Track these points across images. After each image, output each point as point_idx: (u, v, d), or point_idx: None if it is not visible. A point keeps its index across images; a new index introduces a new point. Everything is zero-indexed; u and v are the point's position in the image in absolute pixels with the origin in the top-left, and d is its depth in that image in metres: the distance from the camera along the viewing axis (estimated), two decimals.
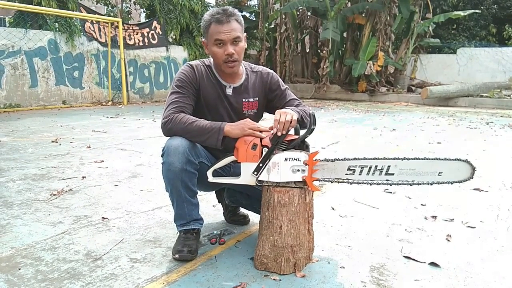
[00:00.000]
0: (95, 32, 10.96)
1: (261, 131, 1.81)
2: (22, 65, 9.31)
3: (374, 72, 13.01)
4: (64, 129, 6.21)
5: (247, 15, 17.82)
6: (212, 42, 1.91)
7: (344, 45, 14.76)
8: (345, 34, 14.55)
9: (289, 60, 15.86)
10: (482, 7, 16.34)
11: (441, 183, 1.69)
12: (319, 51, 15.36)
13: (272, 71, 2.17)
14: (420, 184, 1.70)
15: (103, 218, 2.49)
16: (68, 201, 2.80)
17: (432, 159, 1.70)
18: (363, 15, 13.96)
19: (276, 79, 2.14)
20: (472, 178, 1.69)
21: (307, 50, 16.23)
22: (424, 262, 1.92)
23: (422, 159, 1.70)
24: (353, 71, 13.16)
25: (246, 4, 17.93)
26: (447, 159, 1.69)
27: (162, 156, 1.87)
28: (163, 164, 1.85)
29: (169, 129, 1.86)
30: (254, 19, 17.23)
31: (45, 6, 9.46)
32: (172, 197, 1.90)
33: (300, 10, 15.65)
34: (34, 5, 9.30)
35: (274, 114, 2.11)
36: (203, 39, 2.01)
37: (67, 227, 2.33)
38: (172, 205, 1.95)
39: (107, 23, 11.10)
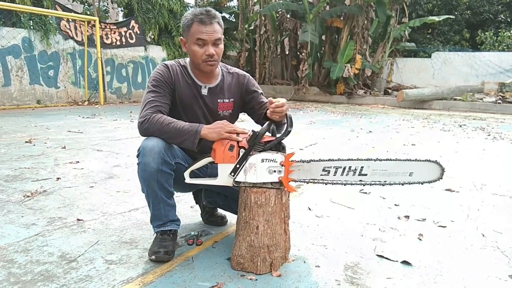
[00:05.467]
0: (71, 31, 10.76)
1: (238, 134, 1.82)
2: None
3: (352, 74, 13.22)
4: (38, 129, 6.08)
5: (227, 16, 17.82)
6: (193, 41, 1.91)
7: (323, 48, 14.95)
8: (323, 37, 14.74)
9: (268, 61, 15.93)
10: (456, 13, 16.84)
11: (412, 183, 1.75)
12: (298, 53, 15.52)
13: (248, 74, 2.20)
14: (392, 184, 1.75)
15: (78, 219, 2.45)
16: (42, 203, 2.75)
17: (403, 160, 1.75)
18: (341, 18, 14.16)
19: (252, 81, 2.16)
20: (442, 178, 1.75)
21: (287, 52, 16.36)
22: (397, 261, 1.98)
23: (393, 160, 1.75)
24: (331, 74, 13.33)
25: (225, 5, 17.94)
26: (418, 160, 1.75)
27: (137, 156, 1.86)
28: (138, 165, 1.84)
29: (145, 129, 1.86)
30: (234, 20, 17.25)
31: (19, 3, 9.25)
32: (148, 198, 1.90)
33: (280, 12, 15.77)
34: (8, 2, 9.07)
35: (250, 115, 2.15)
36: (181, 37, 2.02)
37: (41, 229, 2.29)
38: (148, 206, 1.94)
39: (84, 21, 10.91)
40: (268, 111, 1.85)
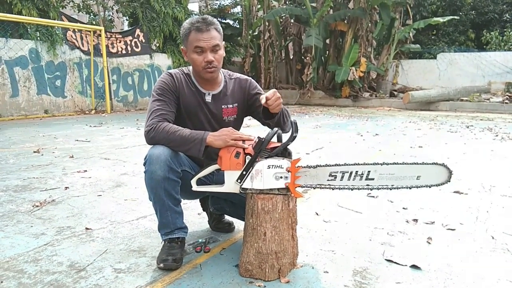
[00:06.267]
0: (77, 41, 10.88)
1: (244, 140, 1.83)
2: (3, 74, 9.18)
3: (357, 77, 13.20)
4: (46, 139, 6.13)
5: (231, 22, 17.93)
6: (192, 49, 1.94)
7: (327, 52, 14.96)
8: (327, 41, 14.76)
9: (273, 66, 15.98)
10: (460, 13, 16.78)
11: (419, 187, 1.74)
12: (302, 57, 15.53)
13: (250, 78, 2.21)
14: (399, 188, 1.74)
15: (87, 228, 2.47)
16: (50, 212, 2.77)
17: (411, 163, 1.75)
18: (345, 22, 14.17)
19: (254, 85, 2.18)
20: (450, 181, 1.74)
21: (291, 57, 16.38)
22: (406, 265, 1.96)
23: (400, 164, 1.74)
24: (336, 77, 13.33)
25: (229, 12, 18.06)
26: (425, 163, 1.74)
27: (144, 164, 1.88)
28: (145, 173, 1.86)
29: (151, 137, 1.88)
30: (238, 26, 17.34)
31: (25, 15, 9.38)
32: (156, 205, 1.91)
33: (283, 17, 15.82)
34: (15, 14, 9.20)
35: (255, 118, 2.17)
36: (182, 47, 2.04)
37: (50, 239, 2.30)
38: (156, 214, 1.95)
39: (90, 31, 11.03)
40: (269, 108, 1.87)
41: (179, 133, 1.84)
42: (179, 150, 1.88)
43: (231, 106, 2.11)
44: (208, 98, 2.06)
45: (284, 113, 2.00)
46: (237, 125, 2.17)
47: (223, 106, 2.09)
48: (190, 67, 2.09)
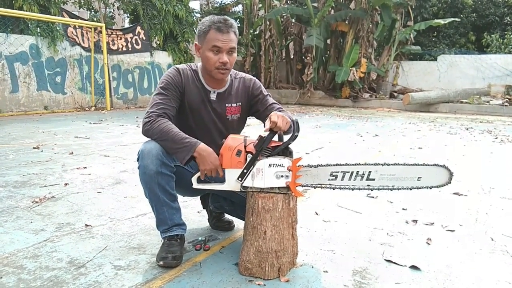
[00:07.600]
0: (78, 37, 10.86)
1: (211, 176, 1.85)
2: (3, 70, 9.16)
3: (357, 78, 13.20)
4: (46, 135, 6.12)
5: None
6: (209, 47, 1.93)
7: (328, 52, 14.95)
8: (328, 41, 14.75)
9: (273, 66, 15.96)
10: (461, 16, 16.78)
11: (420, 188, 1.74)
12: (303, 57, 15.54)
13: (254, 78, 2.22)
14: (400, 189, 1.75)
15: (86, 225, 2.47)
16: (50, 209, 2.77)
17: (412, 164, 1.75)
18: (346, 22, 14.17)
19: (258, 84, 2.18)
20: (450, 183, 1.74)
21: (292, 57, 16.37)
22: (405, 266, 1.97)
23: (401, 164, 1.74)
24: (336, 77, 13.33)
25: (230, 11, 18.02)
26: (426, 165, 1.74)
27: (137, 160, 1.88)
28: (138, 168, 1.87)
29: (146, 130, 1.89)
30: (239, 25, 17.31)
31: (26, 11, 9.36)
32: (151, 202, 1.91)
33: (284, 17, 15.81)
34: (15, 9, 9.18)
35: (257, 118, 2.17)
36: (196, 43, 2.03)
37: (49, 235, 2.30)
38: (152, 211, 1.95)
39: (90, 28, 11.01)
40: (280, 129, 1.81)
41: (171, 133, 1.83)
42: (167, 150, 1.86)
43: (235, 105, 2.11)
44: (213, 96, 2.07)
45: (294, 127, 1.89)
46: (240, 124, 2.18)
47: (227, 105, 2.09)
48: (199, 64, 2.09)
